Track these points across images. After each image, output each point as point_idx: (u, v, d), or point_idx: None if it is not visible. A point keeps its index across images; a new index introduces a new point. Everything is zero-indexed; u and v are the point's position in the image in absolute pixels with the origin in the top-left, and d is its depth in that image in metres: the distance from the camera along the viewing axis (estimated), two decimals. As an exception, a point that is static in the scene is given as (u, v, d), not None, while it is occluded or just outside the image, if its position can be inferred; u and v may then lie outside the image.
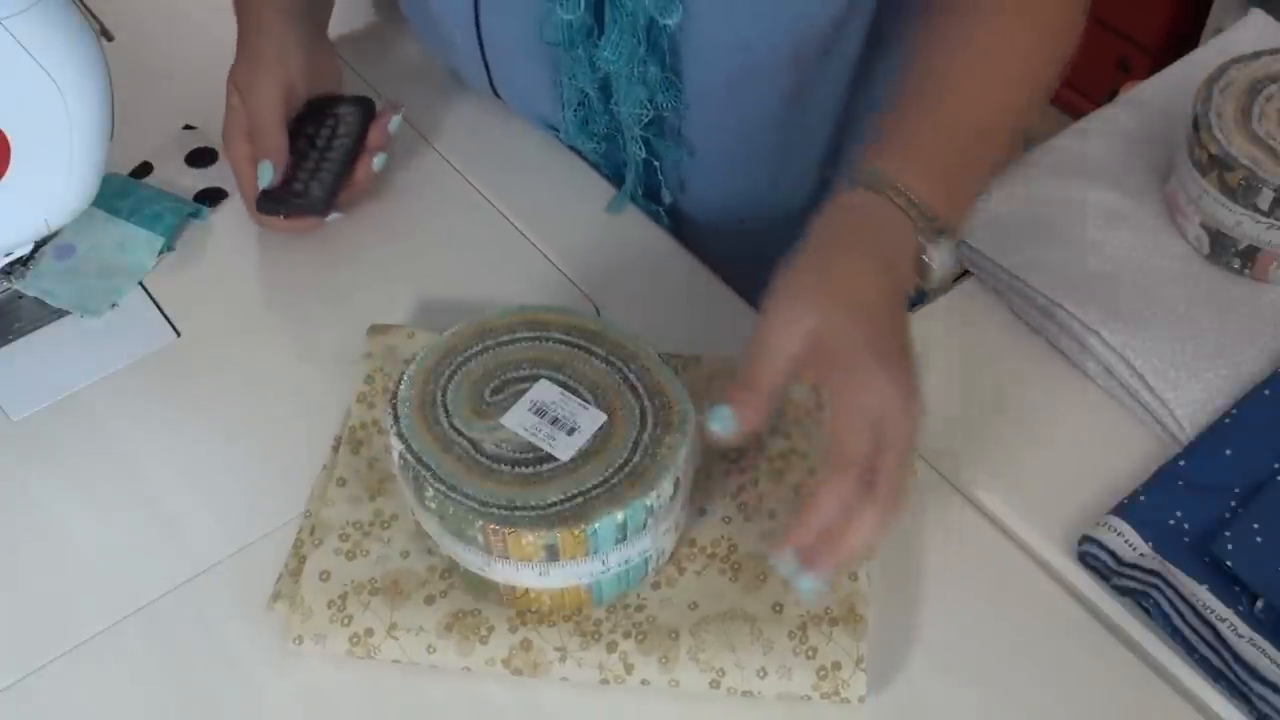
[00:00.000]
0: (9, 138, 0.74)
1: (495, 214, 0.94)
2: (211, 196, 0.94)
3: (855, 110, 0.97)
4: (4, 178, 0.75)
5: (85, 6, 0.84)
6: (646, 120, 0.90)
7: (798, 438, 0.78)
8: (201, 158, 0.96)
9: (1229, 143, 0.82)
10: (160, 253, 0.89)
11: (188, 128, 0.98)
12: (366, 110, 0.92)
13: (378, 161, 0.91)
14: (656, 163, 0.94)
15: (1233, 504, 0.73)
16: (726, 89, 0.89)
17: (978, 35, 0.76)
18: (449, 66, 1.02)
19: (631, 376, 0.71)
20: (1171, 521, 0.73)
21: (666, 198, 0.96)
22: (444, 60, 1.02)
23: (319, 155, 0.89)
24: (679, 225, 1.00)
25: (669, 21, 0.82)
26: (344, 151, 0.89)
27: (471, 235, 0.92)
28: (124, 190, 0.92)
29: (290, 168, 0.88)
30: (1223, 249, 0.85)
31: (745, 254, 0.95)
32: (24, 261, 0.85)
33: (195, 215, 0.92)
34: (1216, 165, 0.82)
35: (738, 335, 0.85)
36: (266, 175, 0.87)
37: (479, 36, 0.92)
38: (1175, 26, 2.08)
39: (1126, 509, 0.74)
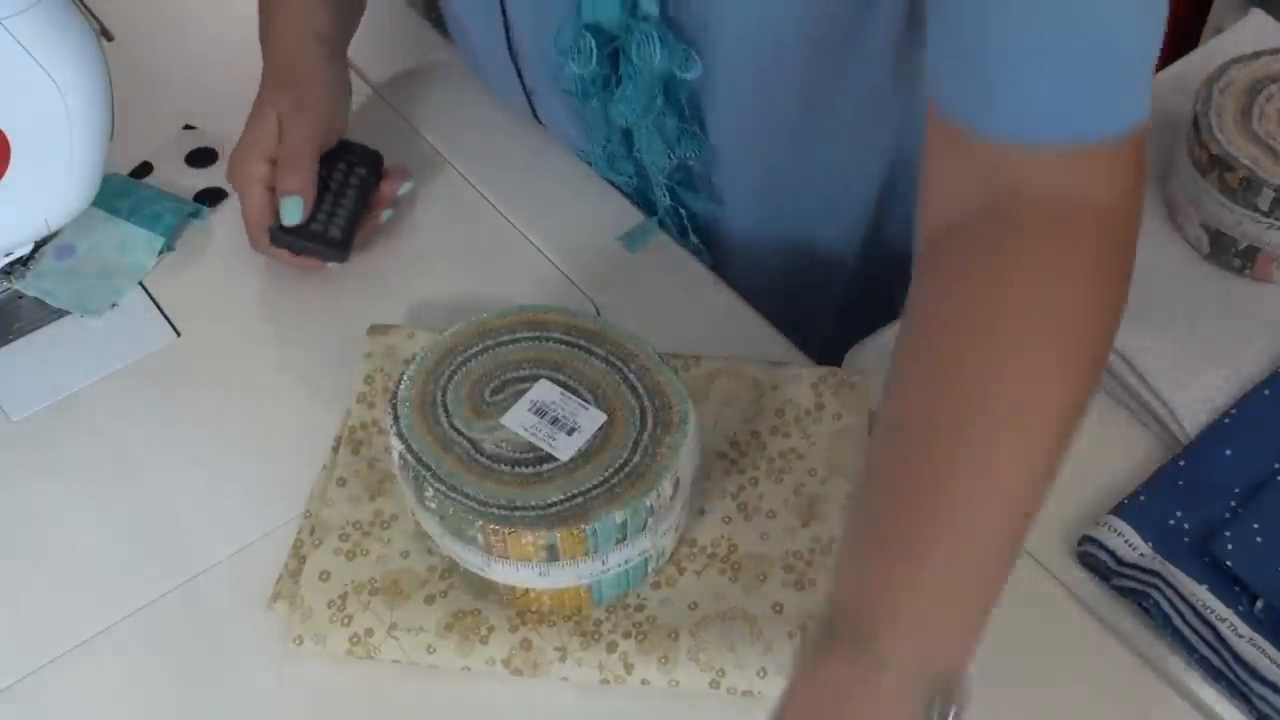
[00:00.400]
0: (9, 137, 0.74)
1: (494, 214, 0.94)
2: (211, 197, 0.94)
3: (899, 155, 0.92)
4: (4, 177, 0.75)
5: (85, 6, 0.83)
6: (671, 169, 0.87)
7: (797, 438, 0.78)
8: (201, 158, 0.96)
9: (1229, 142, 0.82)
10: (160, 253, 0.90)
11: (188, 128, 0.98)
12: (375, 161, 0.91)
13: (385, 215, 0.91)
14: (683, 210, 0.92)
15: (1233, 504, 0.73)
16: (752, 139, 0.86)
17: (1003, 373, 0.59)
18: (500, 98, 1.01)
19: (631, 376, 0.71)
20: (1171, 521, 0.73)
21: (693, 238, 0.94)
22: (498, 93, 1.00)
23: (333, 199, 0.88)
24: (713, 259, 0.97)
25: (687, 76, 0.79)
26: (356, 199, 0.89)
27: (471, 235, 0.92)
28: (124, 190, 0.92)
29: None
30: (1223, 249, 0.85)
31: (782, 292, 0.94)
32: (24, 261, 0.85)
33: (195, 215, 0.92)
34: (1216, 165, 0.82)
35: (738, 335, 0.86)
36: (296, 210, 0.85)
37: (519, 74, 0.92)
38: (1175, 26, 2.07)
39: (1126, 509, 0.74)
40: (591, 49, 0.78)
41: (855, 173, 0.92)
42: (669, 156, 0.86)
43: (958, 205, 0.64)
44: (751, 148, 0.88)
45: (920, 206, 0.66)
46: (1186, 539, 0.72)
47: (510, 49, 0.90)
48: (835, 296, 1.01)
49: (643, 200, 0.95)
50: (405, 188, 0.92)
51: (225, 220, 0.92)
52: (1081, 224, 0.61)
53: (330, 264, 0.88)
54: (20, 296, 0.86)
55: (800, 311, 0.94)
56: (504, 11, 0.87)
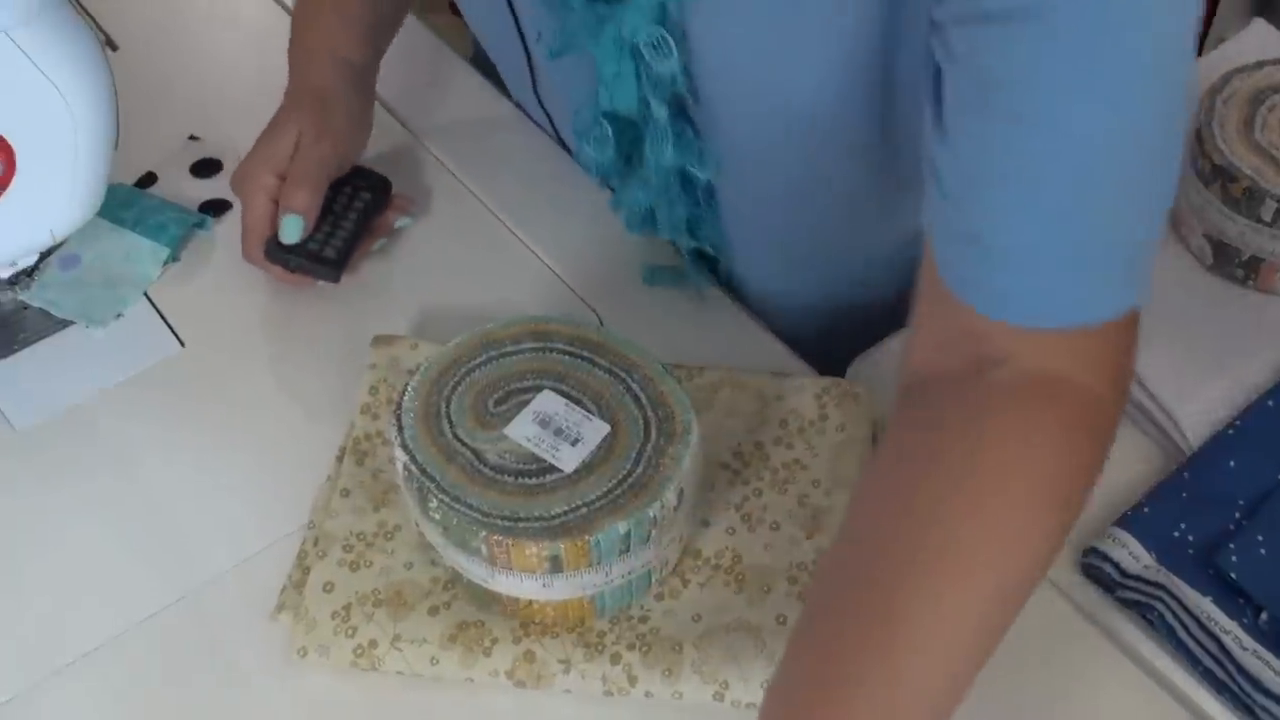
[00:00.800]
0: (14, 148, 0.74)
1: (498, 224, 0.94)
2: (216, 207, 0.94)
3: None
4: (9, 188, 0.75)
5: (90, 16, 0.84)
6: (690, 248, 0.87)
7: (801, 449, 0.78)
8: (206, 168, 0.96)
9: (1232, 153, 0.82)
10: (165, 263, 0.90)
11: (192, 138, 0.99)
12: (383, 188, 0.92)
13: (379, 244, 0.91)
14: (705, 264, 0.90)
15: (1237, 516, 0.73)
16: (769, 230, 0.86)
17: (966, 525, 0.59)
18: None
19: (635, 387, 0.71)
20: (1175, 533, 0.73)
21: (716, 283, 0.92)
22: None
23: (334, 220, 0.88)
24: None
25: (700, 174, 0.78)
26: (355, 223, 0.89)
27: (475, 245, 0.92)
28: (129, 200, 0.92)
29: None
30: (1226, 260, 0.85)
31: (796, 323, 0.93)
32: (29, 272, 0.85)
33: (200, 226, 0.92)
34: (1219, 175, 0.82)
35: (741, 346, 0.86)
36: (295, 229, 0.85)
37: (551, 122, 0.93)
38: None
39: (1130, 521, 0.74)
40: (609, 136, 0.77)
41: (877, 252, 0.91)
42: (687, 238, 0.85)
43: (943, 357, 0.63)
44: (769, 237, 0.87)
45: (908, 340, 0.66)
46: (1190, 551, 0.72)
47: (548, 117, 0.91)
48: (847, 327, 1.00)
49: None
50: (404, 221, 0.92)
51: (229, 231, 0.92)
52: (1065, 398, 0.61)
53: (321, 283, 0.88)
54: (25, 307, 0.86)
55: (810, 333, 0.94)
56: (537, 93, 0.88)
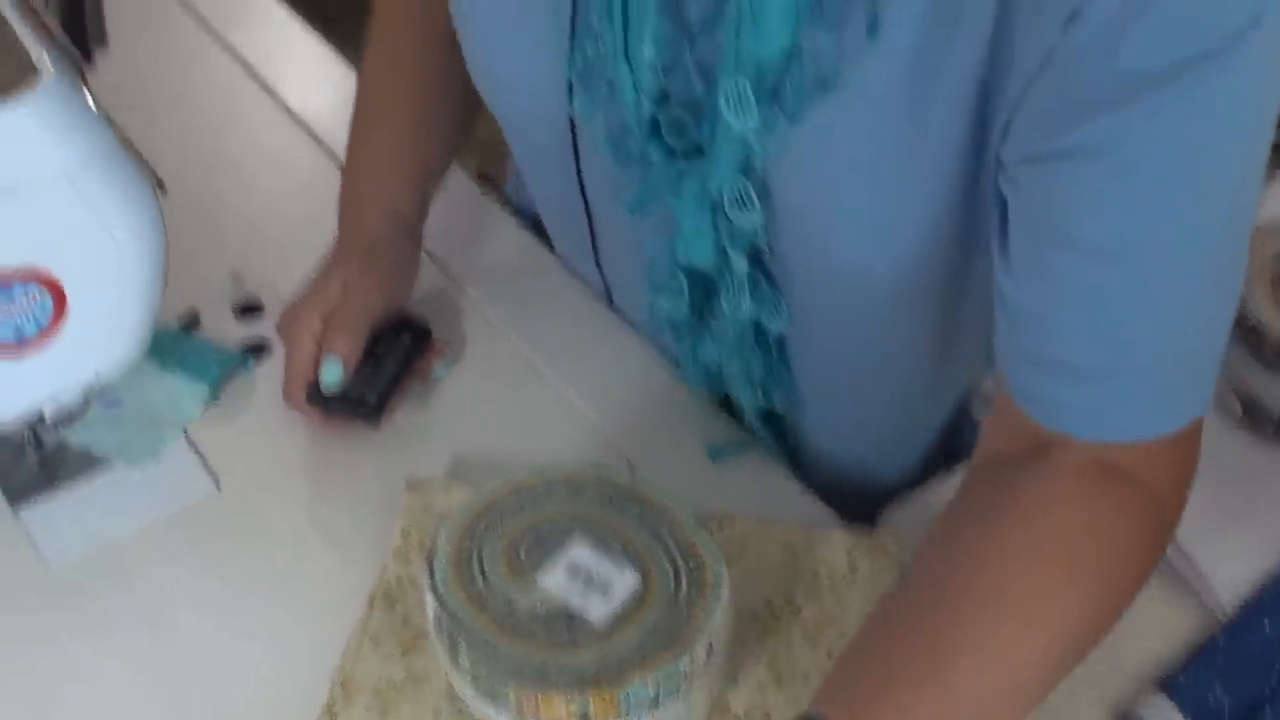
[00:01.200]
0: (65, 290, 0.76)
1: (534, 370, 0.95)
2: (258, 349, 0.95)
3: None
4: (59, 330, 0.77)
5: (143, 159, 0.86)
6: (758, 408, 0.87)
7: (831, 603, 0.78)
8: (249, 310, 0.98)
9: (1261, 312, 0.83)
10: (205, 403, 0.91)
11: (236, 278, 1.00)
12: (425, 334, 0.93)
13: (418, 389, 0.92)
14: (773, 439, 0.91)
15: (1273, 680, 0.72)
16: (842, 389, 0.86)
17: (1024, 578, 0.62)
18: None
19: (666, 536, 0.72)
20: (1212, 699, 0.72)
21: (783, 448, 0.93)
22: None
23: (375, 365, 0.89)
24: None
25: (774, 326, 0.79)
26: (398, 368, 0.90)
27: (511, 391, 0.94)
28: (172, 341, 0.94)
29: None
30: (1256, 416, 0.85)
31: (845, 481, 0.94)
32: (71, 412, 0.87)
33: (241, 365, 0.94)
34: (1249, 334, 0.83)
35: (773, 495, 0.86)
36: (336, 373, 0.86)
37: (608, 292, 0.95)
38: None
39: (1168, 686, 0.73)
40: (684, 289, 0.79)
41: (927, 415, 0.93)
42: (756, 396, 0.86)
43: (1013, 444, 0.67)
44: (841, 394, 0.87)
45: (985, 422, 0.70)
46: (1227, 716, 0.71)
47: (601, 274, 0.93)
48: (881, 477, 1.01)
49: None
50: (444, 368, 0.93)
51: (270, 373, 0.94)
52: (1126, 488, 0.64)
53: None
54: (66, 446, 0.88)
55: (846, 485, 0.94)
56: (593, 236, 0.89)
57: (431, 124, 0.95)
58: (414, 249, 0.95)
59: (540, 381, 0.94)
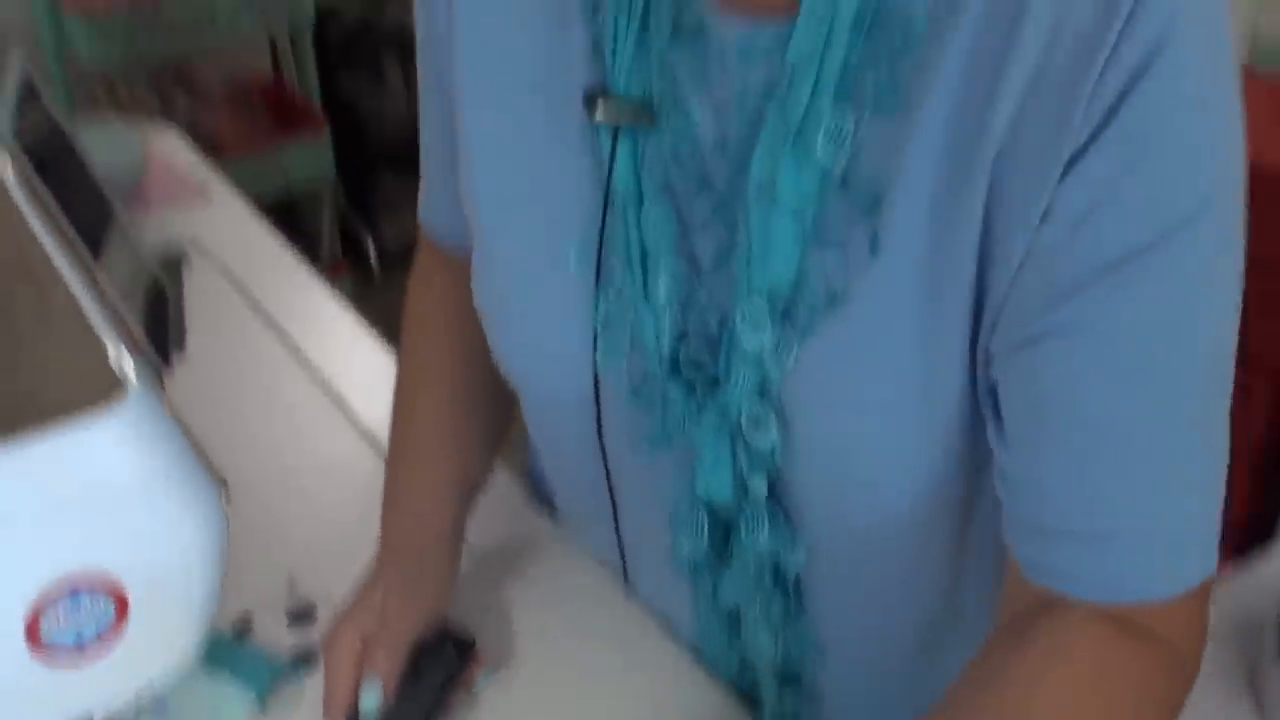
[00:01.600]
0: (129, 598, 0.76)
1: (551, 672, 0.93)
2: (308, 657, 0.95)
3: None
4: (119, 636, 0.77)
5: (212, 465, 0.87)
6: (776, 663, 0.86)
7: None
8: (301, 615, 0.98)
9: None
10: (253, 712, 0.90)
11: (292, 584, 1.01)
12: (468, 647, 0.92)
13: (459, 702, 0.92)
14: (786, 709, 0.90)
15: None
16: (860, 634, 0.85)
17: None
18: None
19: None
20: None
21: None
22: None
23: (416, 682, 0.88)
24: None
25: (792, 564, 0.79)
26: (440, 686, 0.89)
27: (543, 694, 0.92)
28: (225, 647, 0.94)
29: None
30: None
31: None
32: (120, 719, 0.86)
33: (291, 673, 0.93)
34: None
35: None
36: (374, 698, 0.86)
37: (621, 553, 0.94)
38: (1251, 520, 2.05)
39: None
40: (704, 525, 0.80)
41: (946, 663, 0.91)
42: (775, 644, 0.85)
43: (1028, 607, 0.68)
44: (859, 639, 0.85)
45: (1007, 581, 0.70)
46: None
47: (617, 529, 0.92)
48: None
49: (742, 689, 0.92)
50: (486, 678, 0.92)
51: (319, 683, 0.93)
52: (1141, 637, 0.64)
53: None
54: (110, 752, 0.86)
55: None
56: (611, 491, 0.89)
57: (469, 435, 0.96)
58: (454, 560, 0.95)
59: (559, 685, 0.92)
